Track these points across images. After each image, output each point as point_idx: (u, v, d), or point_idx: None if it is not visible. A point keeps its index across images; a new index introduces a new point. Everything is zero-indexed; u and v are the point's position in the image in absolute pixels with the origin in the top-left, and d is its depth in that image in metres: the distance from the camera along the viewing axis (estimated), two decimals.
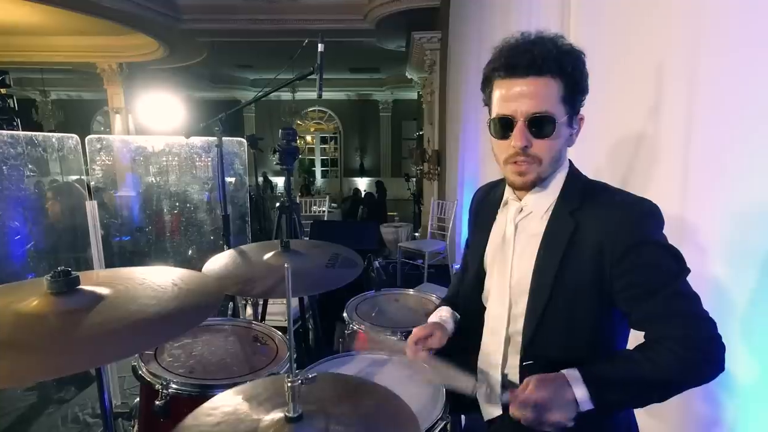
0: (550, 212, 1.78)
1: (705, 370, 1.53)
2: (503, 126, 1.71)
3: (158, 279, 1.90)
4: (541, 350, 1.76)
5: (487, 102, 1.83)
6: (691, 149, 2.02)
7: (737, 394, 1.87)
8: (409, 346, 2.06)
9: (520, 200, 1.86)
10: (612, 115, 2.49)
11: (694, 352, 1.51)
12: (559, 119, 1.66)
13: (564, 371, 1.59)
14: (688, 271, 1.60)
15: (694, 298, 1.57)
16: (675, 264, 1.60)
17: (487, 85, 1.80)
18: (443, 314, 2.21)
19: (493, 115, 1.76)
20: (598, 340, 1.72)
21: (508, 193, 1.93)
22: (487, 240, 2.01)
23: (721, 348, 1.52)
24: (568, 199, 1.76)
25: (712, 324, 1.53)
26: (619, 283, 1.61)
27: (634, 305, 1.60)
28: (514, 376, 1.86)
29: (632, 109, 2.39)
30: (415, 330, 2.10)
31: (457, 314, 2.22)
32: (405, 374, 2.26)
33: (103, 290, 1.71)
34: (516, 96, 1.67)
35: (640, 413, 1.90)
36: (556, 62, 1.63)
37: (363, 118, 24.42)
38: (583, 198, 1.74)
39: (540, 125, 1.66)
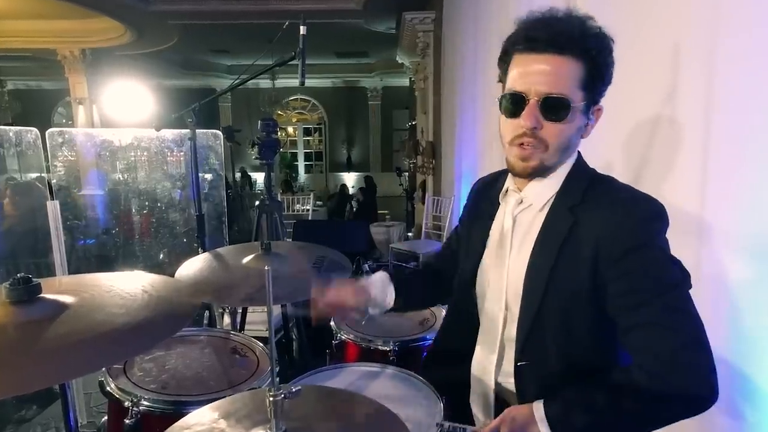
0: (549, 207, 1.79)
1: (689, 401, 1.54)
2: (514, 103, 1.70)
3: (127, 285, 1.89)
4: (536, 355, 1.76)
5: (502, 78, 1.82)
6: (710, 139, 2.02)
7: (760, 406, 1.88)
8: (313, 300, 2.06)
9: (521, 191, 1.86)
10: (624, 102, 2.49)
11: (679, 379, 1.50)
12: (575, 105, 1.65)
13: (534, 410, 1.62)
14: (689, 285, 1.60)
15: (696, 319, 1.55)
16: (677, 275, 1.59)
17: (504, 60, 1.79)
18: (374, 277, 2.19)
19: (506, 90, 1.74)
20: (598, 346, 1.72)
21: (509, 182, 1.93)
22: (488, 235, 2.00)
23: (709, 393, 1.50)
24: (569, 193, 1.76)
25: (707, 352, 1.51)
26: (613, 287, 1.61)
27: (625, 313, 1.60)
28: (508, 384, 1.86)
29: (646, 96, 2.39)
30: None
31: (392, 280, 2.17)
32: (399, 388, 2.26)
33: (67, 299, 1.71)
34: (532, 72, 1.66)
35: None
36: (580, 42, 1.62)
37: (350, 107, 24.40)
38: (586, 192, 1.73)
39: (553, 107, 1.65)
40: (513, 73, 1.73)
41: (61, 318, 1.60)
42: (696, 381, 1.50)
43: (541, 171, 1.76)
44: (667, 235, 1.62)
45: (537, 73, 1.65)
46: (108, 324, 1.61)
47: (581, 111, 1.69)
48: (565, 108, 1.64)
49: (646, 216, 1.63)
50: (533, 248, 1.77)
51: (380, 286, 2.13)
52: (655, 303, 1.54)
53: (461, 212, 2.28)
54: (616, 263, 1.60)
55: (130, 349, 1.73)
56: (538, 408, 1.62)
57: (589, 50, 1.63)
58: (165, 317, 1.73)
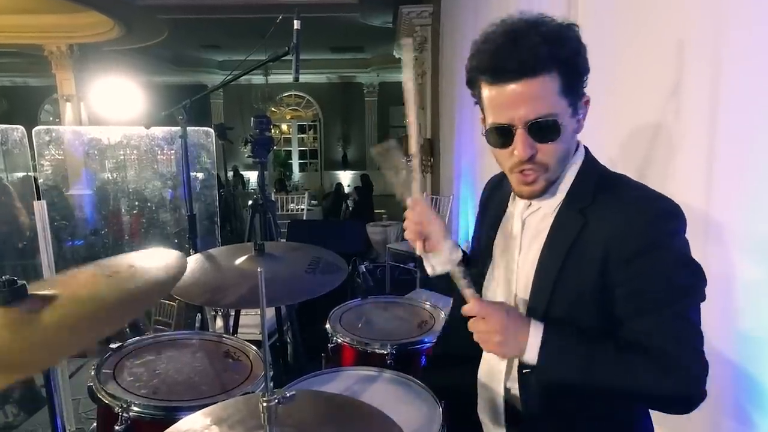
0: (558, 208, 1.78)
1: (675, 404, 1.57)
2: (501, 135, 1.68)
3: (113, 265, 1.88)
4: None
5: (478, 101, 1.80)
6: (715, 137, 2.02)
7: None
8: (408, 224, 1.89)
9: None
10: (626, 100, 2.49)
11: (675, 386, 1.52)
12: (562, 118, 1.63)
13: (532, 320, 1.63)
14: (702, 294, 1.59)
15: (699, 334, 1.55)
16: (690, 279, 1.59)
17: (473, 86, 1.77)
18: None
19: (489, 123, 1.72)
20: None
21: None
22: (495, 237, 2.01)
23: (699, 399, 1.53)
24: (579, 194, 1.75)
25: (704, 370, 1.52)
26: (621, 290, 1.61)
27: (631, 316, 1.60)
28: (517, 390, 1.86)
29: (649, 93, 2.39)
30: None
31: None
32: (397, 392, 2.26)
33: (54, 291, 1.69)
34: (510, 102, 1.62)
35: (660, 428, 1.90)
36: (549, 57, 1.57)
37: (346, 103, 24.36)
38: (596, 193, 1.72)
39: (544, 129, 1.62)
40: (488, 103, 1.71)
41: (49, 307, 1.59)
42: (690, 386, 1.53)
43: (548, 188, 1.76)
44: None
45: (515, 102, 1.61)
46: (96, 301, 1.60)
47: (570, 115, 1.67)
48: (555, 126, 1.62)
49: (658, 215, 1.62)
50: (542, 250, 1.77)
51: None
52: (662, 309, 1.55)
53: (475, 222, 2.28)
54: (625, 265, 1.59)
55: (121, 316, 1.70)
56: (536, 323, 1.63)
57: (558, 59, 1.59)
58: (153, 284, 1.71)
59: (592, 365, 1.57)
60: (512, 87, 1.60)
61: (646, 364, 1.52)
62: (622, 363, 1.55)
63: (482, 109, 1.79)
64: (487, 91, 1.69)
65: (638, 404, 1.72)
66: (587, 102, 1.74)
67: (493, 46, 1.63)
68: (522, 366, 1.79)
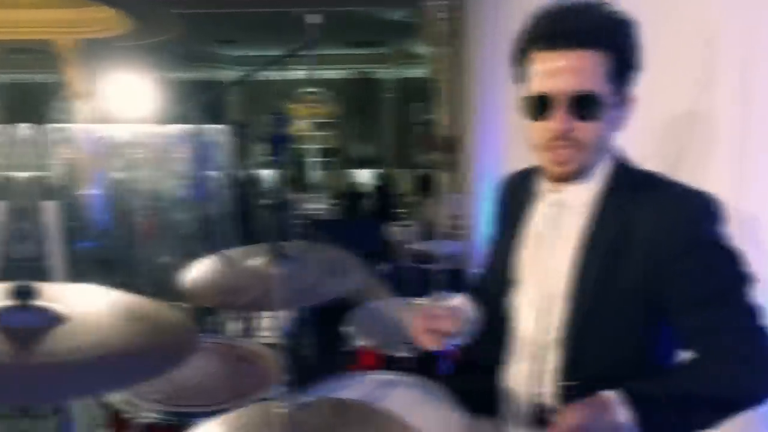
0: (593, 206, 1.76)
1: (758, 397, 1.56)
2: (540, 105, 1.68)
3: (123, 306, 1.85)
4: (580, 366, 1.74)
5: (520, 78, 1.80)
6: (749, 132, 1.99)
7: None
8: (414, 328, 2.05)
9: (559, 192, 1.84)
10: (657, 94, 2.46)
11: (759, 370, 1.52)
12: (606, 99, 1.64)
13: (603, 394, 1.57)
14: (753, 278, 1.58)
15: (760, 311, 1.55)
16: (740, 269, 1.58)
17: (520, 59, 1.77)
18: (456, 301, 2.21)
19: (530, 92, 1.73)
20: (645, 354, 1.72)
21: (543, 182, 1.91)
22: (519, 238, 1.99)
23: None
24: (616, 192, 1.74)
25: None
26: (674, 290, 1.61)
27: (690, 316, 1.59)
28: (546, 398, 1.84)
29: (680, 86, 2.37)
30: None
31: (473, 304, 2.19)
32: (419, 398, 2.24)
33: (62, 309, 1.67)
34: (556, 71, 1.64)
35: None
36: (605, 33, 1.61)
37: (365, 99, 24.28)
38: (633, 190, 1.72)
39: (584, 105, 1.63)
40: (534, 72, 1.71)
41: (56, 330, 1.58)
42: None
43: (580, 173, 1.75)
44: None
45: (561, 71, 1.63)
46: (105, 346, 1.58)
47: (613, 105, 1.67)
48: (596, 104, 1.63)
49: (703, 210, 1.62)
50: (580, 251, 1.75)
51: (467, 308, 2.16)
52: (726, 303, 1.56)
53: (492, 222, 2.27)
54: (676, 264, 1.60)
55: (129, 377, 1.69)
56: (608, 394, 1.57)
57: (613, 40, 1.62)
58: (164, 349, 1.69)
59: (676, 396, 1.56)
60: (562, 55, 1.62)
61: (723, 370, 1.54)
62: (702, 379, 1.56)
63: (523, 88, 1.78)
64: (535, 61, 1.70)
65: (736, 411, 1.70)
66: (632, 101, 1.74)
67: (555, 15, 1.66)
68: (560, 378, 1.78)
